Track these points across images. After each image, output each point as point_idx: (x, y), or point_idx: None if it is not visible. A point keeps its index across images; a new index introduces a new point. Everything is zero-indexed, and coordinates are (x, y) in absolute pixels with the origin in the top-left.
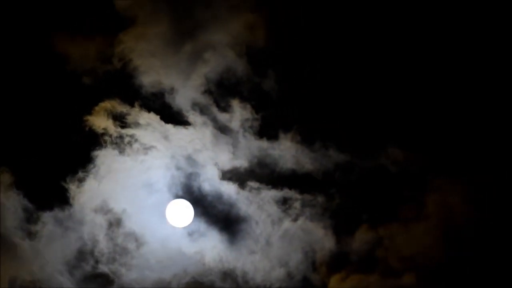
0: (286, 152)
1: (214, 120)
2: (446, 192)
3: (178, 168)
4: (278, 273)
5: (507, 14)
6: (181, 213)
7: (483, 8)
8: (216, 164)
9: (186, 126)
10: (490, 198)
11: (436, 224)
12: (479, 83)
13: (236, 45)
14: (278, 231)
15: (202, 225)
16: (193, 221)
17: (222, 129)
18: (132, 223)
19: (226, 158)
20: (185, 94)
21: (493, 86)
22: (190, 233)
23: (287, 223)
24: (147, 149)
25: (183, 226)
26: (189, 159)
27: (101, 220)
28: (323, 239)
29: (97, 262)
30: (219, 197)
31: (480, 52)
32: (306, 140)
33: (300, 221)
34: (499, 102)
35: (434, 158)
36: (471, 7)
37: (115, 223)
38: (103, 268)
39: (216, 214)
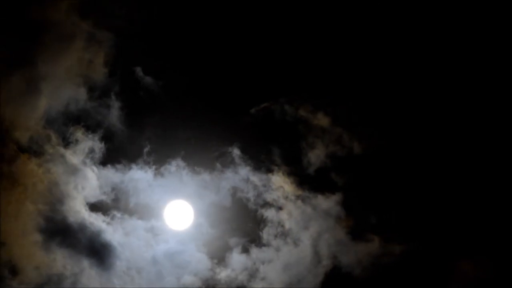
0: (140, 182)
1: (64, 151)
2: (311, 215)
3: (42, 198)
4: None
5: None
6: (180, 215)
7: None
8: (77, 194)
9: (42, 157)
10: (360, 217)
11: (305, 248)
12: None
13: (73, 76)
14: (148, 258)
15: (71, 255)
16: (64, 251)
17: (74, 160)
18: (6, 252)
19: (86, 189)
20: (27, 126)
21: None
22: (62, 262)
23: (157, 249)
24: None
25: (182, 229)
26: (51, 189)
27: None
28: (194, 264)
29: None
30: (84, 227)
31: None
32: (159, 167)
33: (171, 246)
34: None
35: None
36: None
37: None
38: None
39: (83, 245)
